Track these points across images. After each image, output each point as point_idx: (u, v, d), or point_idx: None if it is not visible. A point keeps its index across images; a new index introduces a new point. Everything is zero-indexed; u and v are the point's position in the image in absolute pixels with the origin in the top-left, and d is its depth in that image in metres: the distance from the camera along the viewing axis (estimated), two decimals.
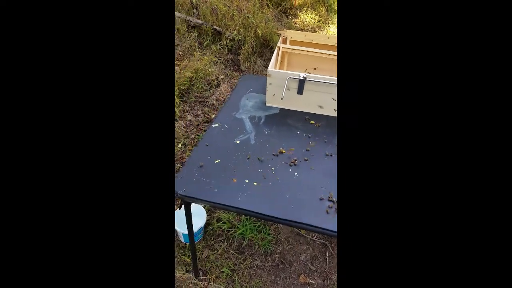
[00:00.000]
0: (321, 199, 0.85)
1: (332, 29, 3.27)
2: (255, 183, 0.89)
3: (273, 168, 0.95)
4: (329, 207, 0.83)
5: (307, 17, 3.33)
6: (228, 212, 1.52)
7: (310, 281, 1.33)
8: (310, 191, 0.88)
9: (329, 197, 0.85)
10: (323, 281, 1.34)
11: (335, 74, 1.40)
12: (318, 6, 3.53)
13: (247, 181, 0.90)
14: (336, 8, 3.68)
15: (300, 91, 1.17)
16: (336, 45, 1.30)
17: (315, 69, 1.41)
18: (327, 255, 1.43)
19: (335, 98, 1.15)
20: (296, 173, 0.94)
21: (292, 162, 0.98)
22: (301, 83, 1.13)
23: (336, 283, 1.31)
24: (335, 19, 3.46)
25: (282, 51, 1.29)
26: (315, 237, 1.49)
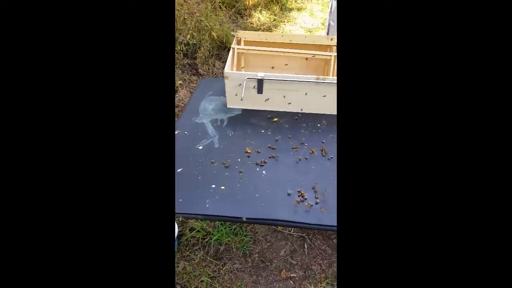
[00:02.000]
0: (288, 194, 0.87)
1: (288, 27, 3.36)
2: (222, 187, 0.88)
3: (240, 170, 0.95)
4: (300, 201, 0.85)
5: (262, 16, 3.38)
6: (200, 220, 1.49)
7: (292, 275, 1.35)
8: (279, 188, 0.89)
9: (298, 192, 0.87)
10: (304, 272, 1.37)
11: (293, 72, 1.44)
12: (271, 5, 3.60)
13: (213, 186, 0.88)
14: (289, 6, 3.78)
15: (260, 90, 1.17)
16: (290, 42, 1.33)
17: (272, 67, 1.43)
18: (306, 247, 1.46)
19: (295, 95, 1.18)
20: (264, 172, 0.95)
21: (259, 161, 0.98)
22: (260, 82, 1.14)
23: (316, 273, 1.35)
24: (290, 17, 3.56)
25: (238, 52, 1.29)
26: (292, 231, 1.52)
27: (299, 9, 3.75)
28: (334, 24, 2.46)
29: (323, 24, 3.42)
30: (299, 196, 0.86)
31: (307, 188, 0.88)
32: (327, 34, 2.61)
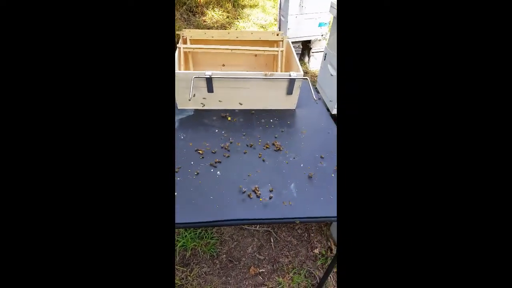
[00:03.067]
0: (243, 192, 0.87)
1: (242, 24, 3.35)
2: (174, 193, 0.84)
3: (195, 173, 0.92)
4: (255, 197, 0.85)
5: (215, 14, 3.33)
6: None
7: (260, 270, 1.37)
8: (234, 187, 0.88)
9: (253, 188, 0.87)
10: (273, 266, 1.39)
11: (243, 69, 1.43)
12: (224, 2, 3.56)
13: None
14: (242, 3, 3.77)
15: (210, 89, 1.15)
16: (237, 39, 1.32)
17: (223, 65, 1.41)
18: (272, 241, 1.49)
19: (247, 92, 1.18)
20: (218, 172, 0.93)
21: (213, 162, 0.96)
22: (209, 81, 1.12)
23: (284, 265, 1.38)
24: (243, 14, 3.55)
25: (184, 52, 1.25)
26: (258, 227, 1.53)
27: (251, 6, 3.76)
28: (284, 19, 2.51)
29: (275, 20, 3.47)
30: (253, 191, 0.86)
31: (262, 184, 0.89)
32: (279, 29, 2.65)
